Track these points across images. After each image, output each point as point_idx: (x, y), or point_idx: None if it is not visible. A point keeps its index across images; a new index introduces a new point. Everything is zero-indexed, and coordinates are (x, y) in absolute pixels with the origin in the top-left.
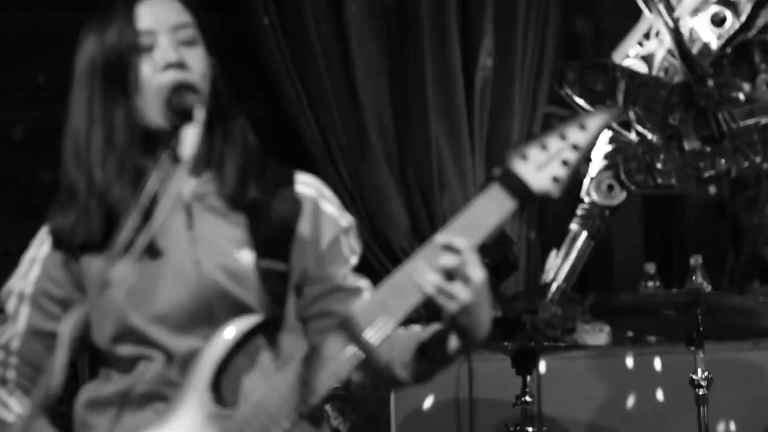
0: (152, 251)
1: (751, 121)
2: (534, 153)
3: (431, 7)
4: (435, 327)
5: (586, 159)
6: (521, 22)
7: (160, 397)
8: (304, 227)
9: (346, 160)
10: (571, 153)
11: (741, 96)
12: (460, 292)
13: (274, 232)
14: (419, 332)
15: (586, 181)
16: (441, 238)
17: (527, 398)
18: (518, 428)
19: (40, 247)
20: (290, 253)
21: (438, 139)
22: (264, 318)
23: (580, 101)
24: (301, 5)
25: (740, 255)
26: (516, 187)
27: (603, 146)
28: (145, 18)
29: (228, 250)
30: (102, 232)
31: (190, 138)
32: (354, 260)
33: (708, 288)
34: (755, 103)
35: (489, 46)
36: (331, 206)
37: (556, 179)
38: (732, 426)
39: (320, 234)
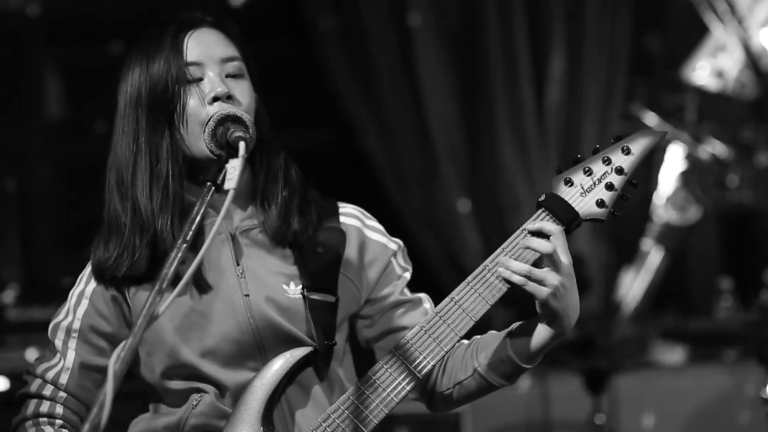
0: (200, 285)
1: None
2: (578, 177)
3: (499, 27)
4: (518, 323)
5: (632, 183)
6: (591, 39)
7: (212, 430)
8: (350, 257)
9: (417, 186)
10: (615, 177)
11: None
12: (549, 276)
13: (320, 264)
14: (501, 333)
15: (660, 200)
16: (530, 225)
17: (600, 418)
18: None
19: (88, 282)
20: (337, 284)
21: (509, 161)
22: (313, 349)
23: (651, 119)
24: (367, 32)
25: None
26: (561, 211)
27: (677, 164)
28: (193, 50)
29: (276, 284)
30: (147, 265)
31: (234, 171)
32: (407, 275)
33: None
34: None
35: (559, 64)
36: (376, 233)
37: (601, 203)
38: None
39: (371, 262)
